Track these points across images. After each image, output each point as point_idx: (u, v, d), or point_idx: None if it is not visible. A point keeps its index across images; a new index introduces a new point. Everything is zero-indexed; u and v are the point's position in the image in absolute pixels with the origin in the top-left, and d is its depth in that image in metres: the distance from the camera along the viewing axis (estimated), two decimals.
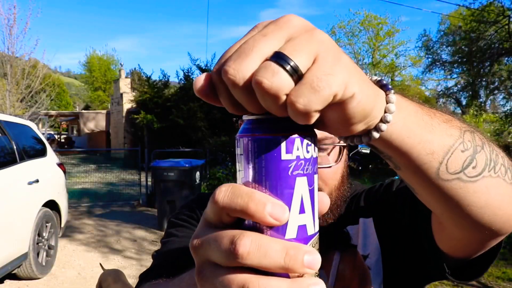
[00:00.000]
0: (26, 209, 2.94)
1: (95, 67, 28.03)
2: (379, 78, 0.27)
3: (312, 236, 0.23)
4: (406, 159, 0.28)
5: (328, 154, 0.56)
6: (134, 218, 5.43)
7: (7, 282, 3.04)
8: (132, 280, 2.61)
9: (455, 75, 17.49)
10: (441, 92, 18.78)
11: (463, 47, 15.18)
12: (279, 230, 0.22)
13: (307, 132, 0.23)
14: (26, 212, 2.93)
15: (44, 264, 3.22)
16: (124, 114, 13.78)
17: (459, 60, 16.29)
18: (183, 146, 9.38)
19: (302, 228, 0.22)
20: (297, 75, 0.19)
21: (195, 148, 8.93)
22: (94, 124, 17.11)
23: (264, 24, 0.22)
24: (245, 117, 0.23)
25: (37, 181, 3.10)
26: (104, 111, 17.67)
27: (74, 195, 6.48)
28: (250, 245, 0.20)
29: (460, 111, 17.82)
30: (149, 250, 4.04)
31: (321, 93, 0.19)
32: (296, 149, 0.22)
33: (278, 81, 0.19)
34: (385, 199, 0.57)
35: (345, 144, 0.55)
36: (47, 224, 3.30)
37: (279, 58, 0.19)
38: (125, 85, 14.47)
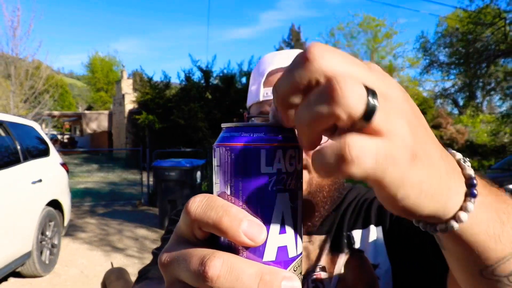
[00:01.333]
0: (30, 208, 2.97)
1: (97, 68, 28.16)
2: (472, 175, 0.23)
3: (294, 259, 0.20)
4: (458, 251, 0.25)
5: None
6: (136, 217, 5.47)
7: (11, 280, 3.09)
8: (134, 278, 2.64)
9: (452, 76, 17.41)
10: (439, 93, 18.73)
11: (460, 48, 15.10)
12: (256, 251, 0.19)
13: (291, 143, 0.20)
14: (29, 211, 2.96)
15: (47, 262, 3.25)
16: (126, 115, 13.85)
17: (456, 61, 16.21)
18: (184, 146, 9.42)
19: (282, 249, 0.20)
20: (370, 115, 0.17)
21: (196, 148, 8.96)
22: (96, 125, 17.18)
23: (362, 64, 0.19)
24: (223, 125, 0.21)
25: (40, 180, 3.13)
26: (107, 112, 17.75)
27: (77, 195, 6.53)
28: (220, 268, 0.18)
29: (457, 112, 17.76)
30: (151, 249, 4.07)
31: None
32: (277, 162, 0.19)
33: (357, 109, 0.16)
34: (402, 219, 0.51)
35: None
36: (50, 223, 3.33)
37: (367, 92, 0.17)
38: (127, 86, 14.54)
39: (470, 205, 0.22)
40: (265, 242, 0.19)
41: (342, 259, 0.52)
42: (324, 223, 0.55)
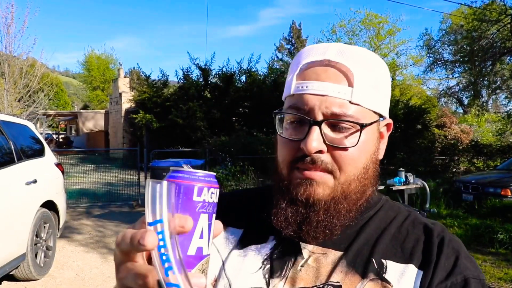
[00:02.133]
0: (24, 210, 2.91)
1: (93, 66, 27.93)
2: None
3: (206, 256, 0.32)
4: None
5: (346, 137, 0.47)
6: (133, 218, 5.40)
7: (5, 283, 3.01)
8: None
9: (456, 75, 17.50)
10: (443, 91, 18.77)
11: (464, 46, 15.16)
12: (184, 245, 0.30)
13: (213, 184, 0.32)
14: (24, 212, 2.90)
15: (42, 265, 3.19)
16: (123, 114, 13.73)
17: (461, 59, 16.28)
18: (182, 146, 9.35)
19: (199, 249, 0.31)
20: None
21: (195, 148, 8.90)
22: (92, 124, 17.03)
23: None
24: (172, 168, 0.33)
25: (35, 181, 3.06)
26: (103, 111, 17.60)
27: (73, 196, 6.44)
28: (119, 236, 0.29)
29: (462, 111, 17.84)
30: None
31: None
32: (203, 195, 0.32)
33: None
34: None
35: (365, 124, 0.47)
36: (45, 225, 3.27)
37: None
38: (124, 84, 14.42)
39: None
40: (190, 242, 0.30)
41: (365, 284, 0.46)
42: (343, 239, 0.50)
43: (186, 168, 0.32)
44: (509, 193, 5.29)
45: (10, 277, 2.99)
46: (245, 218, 0.54)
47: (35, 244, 3.08)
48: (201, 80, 11.78)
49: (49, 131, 23.52)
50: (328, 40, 19.61)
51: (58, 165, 3.71)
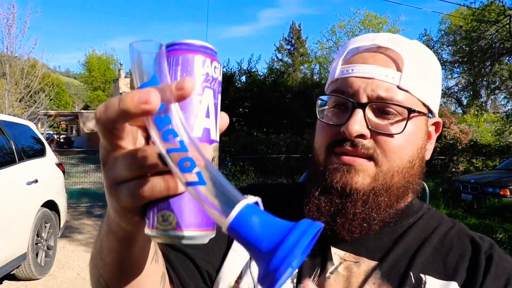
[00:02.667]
0: (25, 210, 2.92)
1: (94, 67, 27.97)
2: None
3: (214, 141, 0.26)
4: None
5: (392, 123, 0.43)
6: None
7: (6, 282, 3.03)
8: None
9: (456, 75, 17.48)
10: (442, 91, 18.75)
11: (463, 46, 15.15)
12: (188, 124, 0.24)
13: (215, 58, 0.27)
14: (25, 212, 2.91)
15: (43, 264, 3.20)
16: None
17: (460, 59, 16.27)
18: None
19: (206, 130, 0.25)
20: None
21: None
22: (93, 124, 17.06)
23: None
24: (168, 43, 0.26)
25: (36, 181, 3.08)
26: None
27: (73, 195, 6.46)
28: (100, 107, 0.23)
29: (461, 111, 17.82)
30: None
31: None
32: (206, 67, 0.26)
33: None
34: None
35: (414, 110, 0.43)
36: (46, 225, 3.28)
37: None
38: (124, 84, 14.45)
39: None
40: (195, 120, 0.25)
41: None
42: (378, 247, 0.45)
43: (182, 41, 0.26)
44: (508, 193, 5.30)
45: (11, 277, 3.00)
46: (275, 214, 0.49)
47: (36, 244, 3.08)
48: None
49: (50, 131, 23.54)
50: (328, 40, 19.66)
51: (59, 165, 3.72)
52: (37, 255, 3.11)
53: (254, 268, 0.46)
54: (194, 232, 0.24)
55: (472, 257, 0.44)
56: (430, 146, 0.49)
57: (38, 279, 3.11)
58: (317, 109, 0.47)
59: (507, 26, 9.60)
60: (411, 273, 0.42)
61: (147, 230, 0.25)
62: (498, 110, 16.82)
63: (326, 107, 0.47)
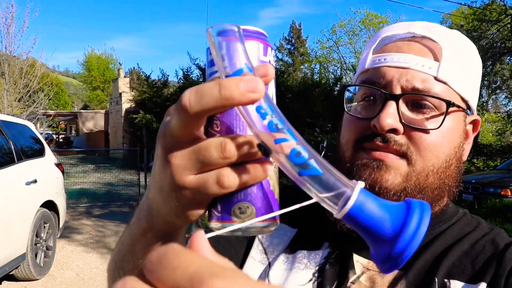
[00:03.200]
0: (24, 210, 2.91)
1: (93, 66, 27.93)
2: None
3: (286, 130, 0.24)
4: None
5: (427, 118, 0.39)
6: None
7: (5, 283, 3.01)
8: None
9: None
10: None
11: None
12: (253, 122, 0.22)
13: (271, 45, 0.26)
14: (24, 212, 2.89)
15: (42, 265, 3.19)
16: (123, 114, 13.73)
17: None
18: None
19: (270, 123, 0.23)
20: None
21: None
22: (92, 124, 17.03)
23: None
24: (231, 26, 0.24)
25: (35, 181, 3.06)
26: (103, 111, 17.61)
27: (73, 196, 6.44)
28: (189, 95, 0.21)
29: None
30: None
31: None
32: (269, 55, 0.26)
33: None
34: None
35: (453, 103, 0.39)
36: (45, 225, 3.27)
37: None
38: (124, 84, 14.42)
39: None
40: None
41: None
42: None
43: (244, 26, 0.25)
44: (509, 193, 5.29)
45: (10, 277, 2.99)
46: (300, 217, 0.44)
47: (35, 244, 3.07)
48: (201, 80, 11.77)
49: (49, 131, 23.53)
50: (328, 40, 19.66)
51: (58, 165, 3.70)
52: (36, 255, 3.09)
53: (273, 275, 0.43)
54: (269, 223, 0.24)
55: (500, 253, 0.40)
56: (467, 146, 0.44)
57: (37, 279, 3.10)
58: (345, 99, 0.43)
59: (508, 26, 9.62)
60: (436, 279, 0.39)
61: (217, 224, 0.24)
62: (499, 110, 16.87)
63: (356, 98, 0.43)
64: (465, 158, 0.44)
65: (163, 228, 0.28)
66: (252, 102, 0.21)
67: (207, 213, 0.25)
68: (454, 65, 0.40)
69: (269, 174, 0.24)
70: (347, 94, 0.44)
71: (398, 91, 0.39)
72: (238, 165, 0.22)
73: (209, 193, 0.23)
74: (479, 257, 0.40)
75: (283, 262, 0.44)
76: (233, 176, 0.22)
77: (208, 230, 0.24)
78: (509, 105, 16.19)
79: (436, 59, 0.40)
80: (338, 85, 11.88)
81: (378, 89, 0.40)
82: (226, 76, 0.21)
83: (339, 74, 16.01)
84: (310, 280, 0.42)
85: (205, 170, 0.23)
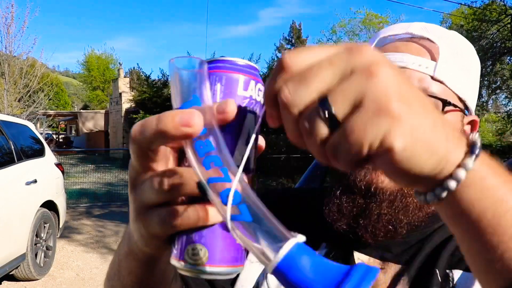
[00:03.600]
0: (24, 210, 2.91)
1: (93, 66, 27.93)
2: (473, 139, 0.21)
3: (252, 171, 0.24)
4: (463, 225, 0.21)
5: None
6: None
7: (5, 283, 3.02)
8: None
9: None
10: None
11: None
12: (227, 149, 0.21)
13: (259, 79, 0.25)
14: (24, 212, 2.90)
15: (42, 265, 3.19)
16: (123, 114, 13.73)
17: None
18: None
19: (246, 159, 0.23)
20: (333, 123, 0.19)
21: None
22: (92, 124, 17.04)
23: (342, 48, 0.20)
24: (209, 60, 0.24)
25: (35, 181, 3.07)
26: (103, 111, 17.62)
27: (73, 196, 6.45)
28: (135, 126, 0.22)
29: None
30: None
31: (351, 146, 0.19)
32: (250, 89, 0.24)
33: (315, 129, 0.19)
34: None
35: (449, 102, 0.39)
36: (45, 225, 3.27)
37: (322, 104, 0.19)
38: (124, 84, 14.43)
39: (469, 161, 0.20)
40: (235, 146, 0.23)
41: None
42: (405, 250, 0.41)
43: (225, 58, 0.24)
44: None
45: (10, 277, 2.99)
46: (297, 219, 0.44)
47: (35, 244, 3.07)
48: None
49: (49, 131, 23.53)
50: (328, 40, 19.64)
51: (58, 165, 3.71)
52: (36, 255, 3.10)
53: (271, 278, 0.43)
54: (226, 268, 0.23)
55: None
56: None
57: (37, 279, 3.10)
58: None
59: (509, 26, 9.62)
60: (437, 271, 0.38)
61: (174, 261, 0.24)
62: (499, 110, 16.88)
63: None
64: None
65: (139, 253, 0.28)
66: (187, 137, 0.20)
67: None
68: (452, 65, 0.41)
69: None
70: None
71: None
72: (189, 203, 0.22)
73: (159, 228, 0.23)
74: None
75: None
76: (179, 215, 0.22)
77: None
78: (509, 105, 16.20)
79: (433, 58, 0.40)
80: None
81: None
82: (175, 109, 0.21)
83: None
84: None
85: (155, 204, 0.23)
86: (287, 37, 25.12)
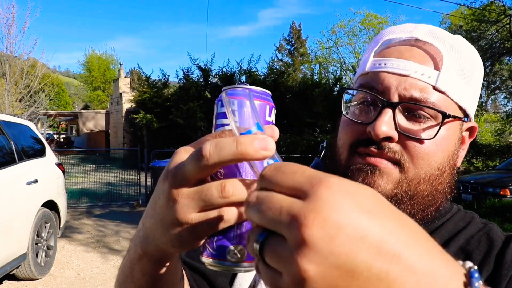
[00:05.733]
0: (25, 210, 2.92)
1: (94, 67, 27.95)
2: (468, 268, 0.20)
3: None
4: None
5: (423, 128, 0.40)
6: (133, 218, 5.41)
7: (6, 282, 3.03)
8: None
9: None
10: None
11: None
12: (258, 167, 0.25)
13: (274, 105, 0.30)
14: (25, 212, 2.91)
15: (43, 264, 3.20)
16: (123, 114, 13.75)
17: None
18: (183, 146, 9.35)
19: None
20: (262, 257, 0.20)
21: None
22: (93, 124, 17.06)
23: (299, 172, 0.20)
24: (242, 85, 0.28)
25: (36, 181, 3.08)
26: (104, 111, 17.64)
27: (73, 195, 6.46)
28: (209, 147, 0.24)
29: None
30: None
31: None
32: (273, 115, 0.30)
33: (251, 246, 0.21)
34: None
35: (449, 115, 0.40)
36: (46, 225, 3.28)
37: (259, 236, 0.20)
38: (124, 84, 14.44)
39: None
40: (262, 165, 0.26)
41: None
42: None
43: (248, 86, 0.28)
44: (508, 193, 5.30)
45: (11, 277, 3.00)
46: None
47: (36, 244, 3.08)
48: (201, 80, 11.78)
49: (50, 131, 23.55)
50: (328, 40, 19.65)
51: (59, 165, 3.72)
52: (37, 255, 3.11)
53: None
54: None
55: (500, 252, 0.39)
56: (463, 152, 0.45)
57: (38, 279, 3.11)
58: (342, 102, 0.44)
59: (507, 26, 9.62)
60: None
61: (207, 259, 0.27)
62: (498, 110, 16.88)
63: (353, 101, 0.44)
64: (459, 164, 0.44)
65: (157, 255, 0.30)
66: (264, 158, 0.24)
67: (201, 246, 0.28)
68: (454, 74, 0.41)
69: None
70: (345, 96, 0.44)
71: (395, 98, 0.40)
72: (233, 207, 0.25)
73: (209, 229, 0.26)
74: (474, 252, 0.40)
75: None
76: (231, 211, 0.25)
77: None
78: (508, 105, 16.18)
79: (437, 67, 0.40)
80: (338, 86, 11.87)
81: (375, 95, 0.40)
82: (241, 134, 0.25)
83: (338, 74, 16.02)
84: None
85: (207, 209, 0.25)
86: (287, 38, 25.14)
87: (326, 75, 17.12)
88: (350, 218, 0.17)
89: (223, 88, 0.28)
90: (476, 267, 0.20)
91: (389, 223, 0.18)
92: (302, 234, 0.17)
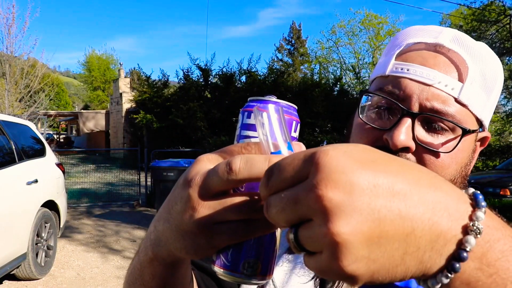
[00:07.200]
0: (25, 210, 2.92)
1: (94, 67, 27.96)
2: (471, 193, 0.22)
3: None
4: None
5: (442, 141, 0.39)
6: (133, 218, 5.42)
7: (6, 282, 3.03)
8: None
9: None
10: None
11: None
12: None
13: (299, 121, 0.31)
14: (25, 212, 2.91)
15: (43, 264, 3.20)
16: (123, 114, 13.75)
17: None
18: (183, 146, 9.36)
19: None
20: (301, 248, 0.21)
21: (195, 148, 8.91)
22: (93, 124, 17.06)
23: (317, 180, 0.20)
24: (271, 97, 0.29)
25: (36, 181, 3.08)
26: (104, 111, 17.64)
27: (73, 195, 6.46)
28: (239, 162, 0.24)
29: None
30: None
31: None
32: (297, 130, 0.30)
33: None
34: None
35: (469, 130, 0.39)
36: (46, 225, 3.28)
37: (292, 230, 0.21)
38: (124, 84, 14.45)
39: (471, 240, 0.20)
40: None
41: None
42: None
43: (276, 99, 0.29)
44: (508, 193, 5.30)
45: (11, 277, 3.01)
46: None
47: (36, 244, 3.09)
48: (201, 80, 11.78)
49: (50, 131, 23.57)
50: (328, 40, 19.65)
51: (59, 165, 3.72)
52: (37, 255, 3.11)
53: (276, 276, 0.44)
54: (266, 280, 0.28)
55: None
56: (473, 161, 0.44)
57: (38, 279, 3.12)
58: (360, 105, 0.42)
59: (507, 26, 9.64)
60: None
61: (219, 269, 0.28)
62: (498, 110, 16.89)
63: (370, 104, 0.42)
64: (469, 172, 0.44)
65: (168, 259, 0.31)
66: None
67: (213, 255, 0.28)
68: (477, 88, 0.40)
69: (277, 235, 0.28)
70: (364, 98, 0.43)
71: (416, 108, 0.39)
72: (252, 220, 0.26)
73: (226, 239, 0.26)
74: None
75: (285, 263, 0.45)
76: (252, 225, 0.25)
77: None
78: (508, 105, 16.21)
79: (461, 79, 0.39)
80: (338, 86, 11.87)
81: (396, 103, 0.39)
82: (272, 153, 0.25)
83: (338, 74, 16.00)
84: (312, 278, 0.43)
85: (227, 220, 0.26)
86: (287, 38, 25.14)
87: (326, 75, 17.12)
88: (358, 172, 0.19)
89: (249, 98, 0.28)
90: (479, 191, 0.22)
91: (392, 167, 0.20)
92: (321, 203, 0.18)
